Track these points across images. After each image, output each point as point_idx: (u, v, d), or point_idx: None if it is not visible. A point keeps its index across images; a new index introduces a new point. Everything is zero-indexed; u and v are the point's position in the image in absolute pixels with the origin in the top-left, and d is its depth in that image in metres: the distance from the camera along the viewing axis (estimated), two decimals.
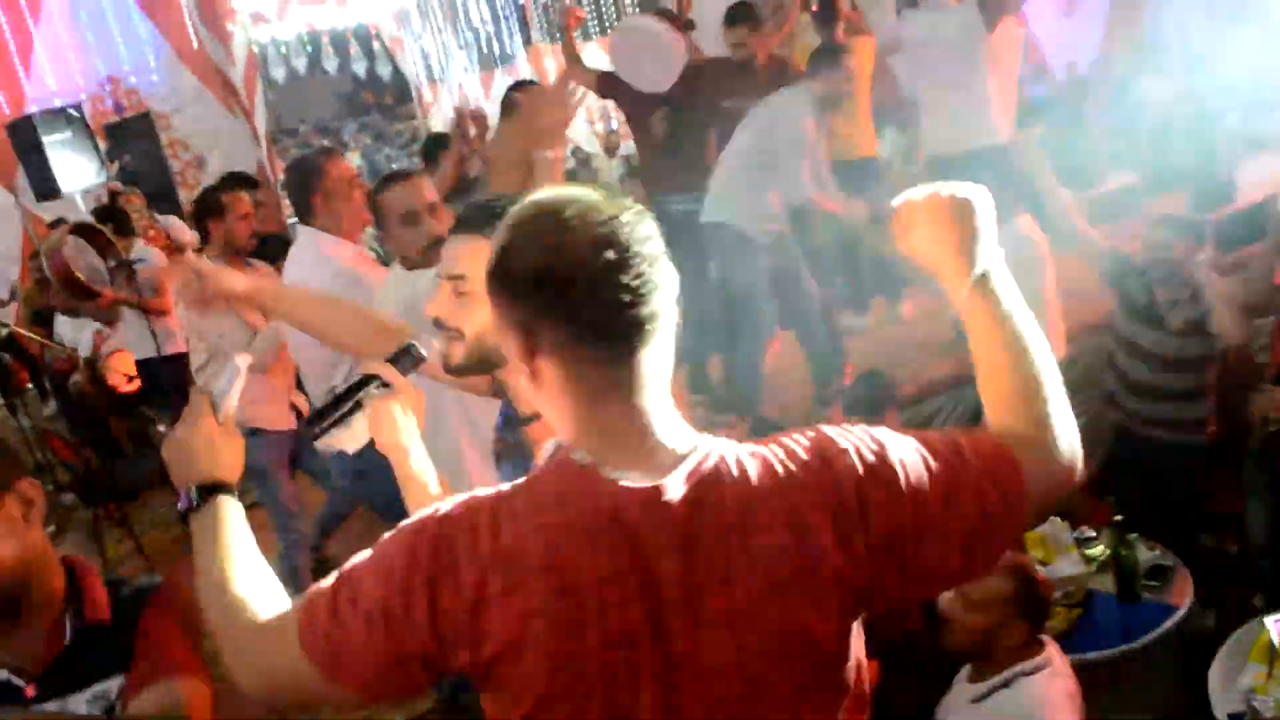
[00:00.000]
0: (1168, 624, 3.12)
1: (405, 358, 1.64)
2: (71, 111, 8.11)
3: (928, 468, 1.11)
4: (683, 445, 1.10)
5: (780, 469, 1.09)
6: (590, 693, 1.03)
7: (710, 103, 4.93)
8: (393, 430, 1.58)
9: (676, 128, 4.93)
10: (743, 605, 1.05)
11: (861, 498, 1.07)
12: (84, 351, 6.26)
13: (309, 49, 12.66)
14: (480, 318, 1.58)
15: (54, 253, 5.22)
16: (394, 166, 16.35)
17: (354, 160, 16.09)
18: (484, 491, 1.11)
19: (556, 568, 1.02)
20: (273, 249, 4.75)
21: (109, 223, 5.72)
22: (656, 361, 1.09)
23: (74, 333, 6.62)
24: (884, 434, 1.14)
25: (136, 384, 6.03)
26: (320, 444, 1.69)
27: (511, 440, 1.83)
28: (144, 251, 5.53)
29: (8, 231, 9.08)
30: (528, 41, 13.45)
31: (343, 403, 1.61)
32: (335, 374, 3.17)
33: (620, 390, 1.08)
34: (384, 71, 14.20)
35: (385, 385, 1.61)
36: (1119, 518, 3.28)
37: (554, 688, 1.02)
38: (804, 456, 1.10)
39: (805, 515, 1.06)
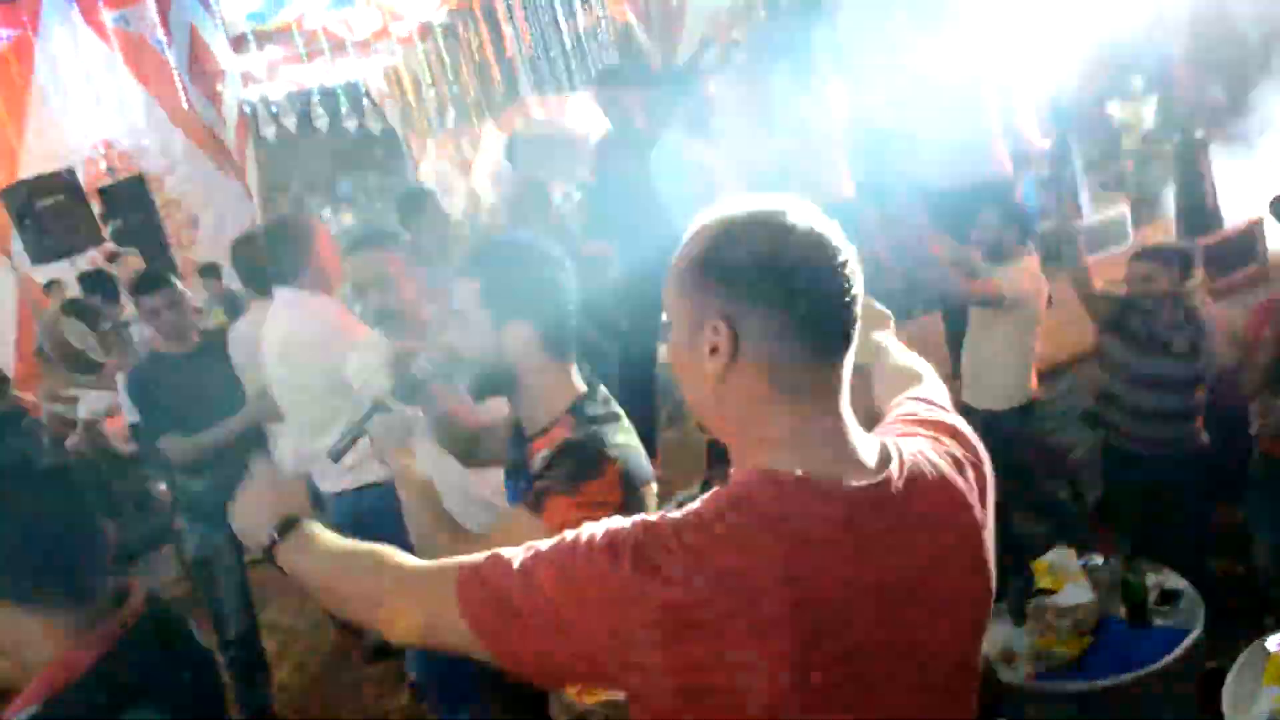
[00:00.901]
0: (1180, 648, 3.11)
1: (403, 387, 1.96)
2: (65, 175, 8.20)
3: None
4: (875, 446, 1.10)
5: (949, 459, 1.16)
6: (832, 703, 1.01)
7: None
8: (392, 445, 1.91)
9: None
10: (959, 585, 1.11)
11: (984, 484, 1.19)
12: (81, 414, 6.25)
13: (299, 107, 12.81)
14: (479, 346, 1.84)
15: (51, 329, 5.28)
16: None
17: (347, 219, 16.18)
18: (659, 515, 1.06)
19: (795, 581, 0.98)
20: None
21: (97, 290, 5.72)
22: (850, 366, 1.09)
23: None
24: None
25: (134, 446, 6.02)
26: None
27: (511, 460, 1.97)
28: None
29: (4, 297, 9.11)
30: (516, 95, 13.60)
31: (353, 429, 1.95)
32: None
33: (826, 392, 1.07)
34: (375, 127, 14.34)
35: (387, 410, 1.93)
36: (1127, 543, 3.27)
37: (795, 703, 0.99)
38: (960, 448, 1.19)
39: (969, 496, 1.14)
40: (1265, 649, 2.79)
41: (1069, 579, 3.41)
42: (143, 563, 5.86)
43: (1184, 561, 3.59)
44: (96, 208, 8.18)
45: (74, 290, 8.34)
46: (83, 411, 6.23)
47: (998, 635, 3.28)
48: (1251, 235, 5.46)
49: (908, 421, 1.22)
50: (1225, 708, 2.77)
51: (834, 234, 1.07)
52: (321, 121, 13.45)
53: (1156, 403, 3.82)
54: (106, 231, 8.09)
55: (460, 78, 13.94)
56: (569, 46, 12.01)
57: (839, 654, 1.00)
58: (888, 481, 1.05)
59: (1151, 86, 7.53)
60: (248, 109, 10.87)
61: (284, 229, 3.37)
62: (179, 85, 9.77)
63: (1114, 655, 3.14)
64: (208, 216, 9.73)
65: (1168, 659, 3.09)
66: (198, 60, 9.83)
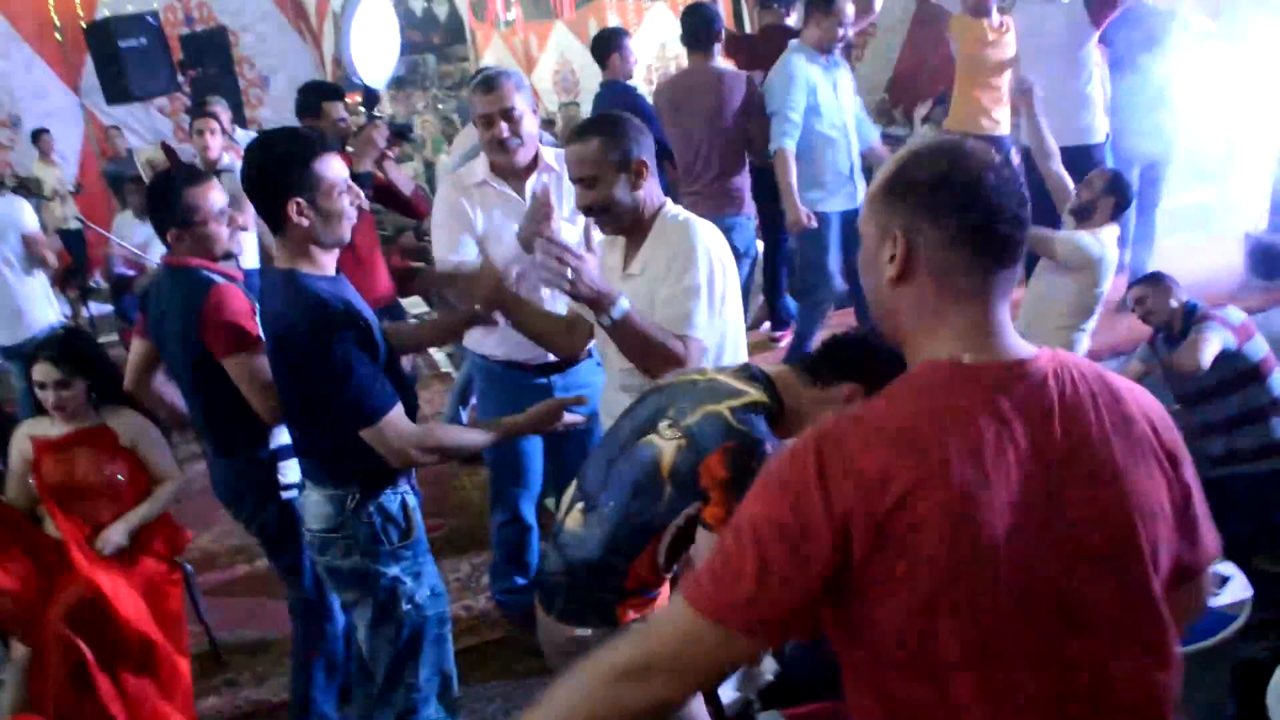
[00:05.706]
0: (1227, 630, 3.17)
1: None
2: (148, 18, 8.15)
3: None
4: (1027, 347, 1.20)
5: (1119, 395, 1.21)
6: (995, 558, 1.08)
7: None
8: None
9: None
10: (1122, 462, 1.15)
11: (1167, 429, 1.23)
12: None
13: None
14: None
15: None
16: (440, 108, 16.23)
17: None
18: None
19: (955, 433, 1.09)
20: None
21: None
22: (1010, 283, 1.19)
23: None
24: None
25: None
26: None
27: None
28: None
29: (71, 132, 9.12)
30: None
31: None
32: None
33: (983, 296, 1.17)
34: (440, 11, 14.14)
35: None
36: None
37: (960, 555, 1.07)
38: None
39: (1139, 408, 1.20)
40: None
41: None
42: None
43: (1233, 558, 3.64)
44: (177, 56, 8.15)
45: (147, 135, 8.36)
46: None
47: None
48: None
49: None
50: (1270, 700, 2.84)
51: (1006, 162, 1.18)
52: None
53: (1200, 418, 3.77)
54: (185, 81, 8.08)
55: None
56: None
57: (1006, 504, 1.09)
58: (1031, 362, 1.16)
59: None
60: None
61: None
62: None
63: None
64: (279, 79, 9.68)
65: (1209, 641, 3.16)
66: None
